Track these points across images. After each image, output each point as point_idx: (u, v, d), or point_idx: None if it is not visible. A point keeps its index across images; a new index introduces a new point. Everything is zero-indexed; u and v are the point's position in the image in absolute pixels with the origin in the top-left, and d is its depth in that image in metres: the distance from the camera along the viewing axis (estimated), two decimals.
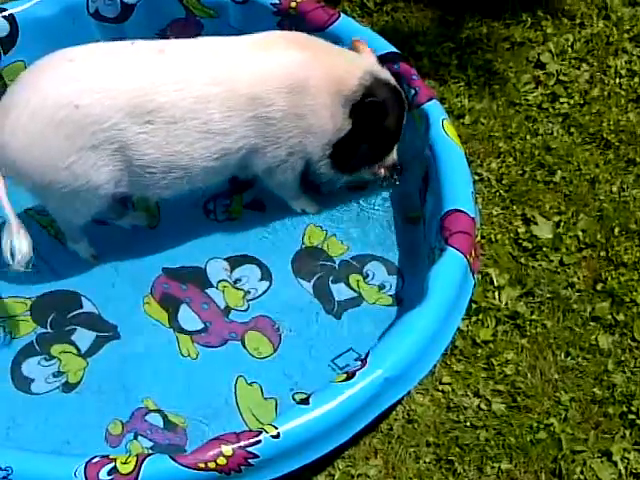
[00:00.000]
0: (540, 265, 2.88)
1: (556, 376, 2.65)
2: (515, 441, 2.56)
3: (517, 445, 2.55)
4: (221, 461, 2.23)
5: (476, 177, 3.07)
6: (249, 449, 2.24)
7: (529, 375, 2.65)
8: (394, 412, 2.60)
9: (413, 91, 2.97)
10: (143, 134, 2.57)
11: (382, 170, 2.91)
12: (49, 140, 2.52)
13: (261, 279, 2.96)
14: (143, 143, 2.59)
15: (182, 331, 2.86)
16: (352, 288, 2.92)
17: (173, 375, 2.76)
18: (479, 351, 2.74)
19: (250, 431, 2.27)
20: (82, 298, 2.93)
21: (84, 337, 2.86)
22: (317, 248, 3.01)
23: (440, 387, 2.68)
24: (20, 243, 2.55)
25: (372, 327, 2.80)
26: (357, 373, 2.35)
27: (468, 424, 2.59)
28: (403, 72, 2.99)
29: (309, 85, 2.65)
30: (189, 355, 2.81)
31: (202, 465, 2.22)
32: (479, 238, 2.84)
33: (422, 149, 2.94)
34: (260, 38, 2.73)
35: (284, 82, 2.63)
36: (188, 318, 2.89)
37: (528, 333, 2.74)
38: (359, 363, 2.37)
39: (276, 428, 2.27)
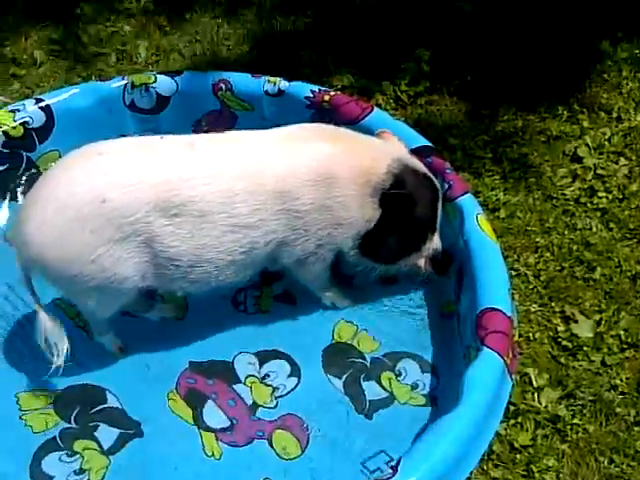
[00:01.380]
0: (581, 365, 2.77)
1: None
2: None
3: None
4: None
5: (513, 272, 2.98)
6: None
7: None
8: None
9: (447, 185, 2.92)
10: (169, 226, 2.54)
11: (421, 261, 2.79)
12: (75, 234, 2.50)
13: (290, 375, 2.88)
14: (169, 235, 2.55)
15: (207, 429, 2.77)
16: (384, 387, 2.83)
17: (197, 477, 2.65)
18: (518, 456, 2.61)
19: None
20: (107, 392, 2.86)
21: (108, 434, 2.77)
22: (348, 344, 2.92)
23: None
24: (58, 340, 2.61)
25: (404, 428, 2.69)
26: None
27: None
28: (436, 166, 2.93)
29: (337, 177, 2.61)
30: (213, 455, 2.72)
31: None
32: (517, 337, 2.73)
33: (456, 244, 2.86)
34: (287, 131, 2.72)
35: (311, 175, 2.60)
36: (214, 415, 2.81)
37: (569, 438, 2.61)
38: (390, 470, 2.25)
39: None
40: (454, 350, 2.82)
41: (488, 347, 2.50)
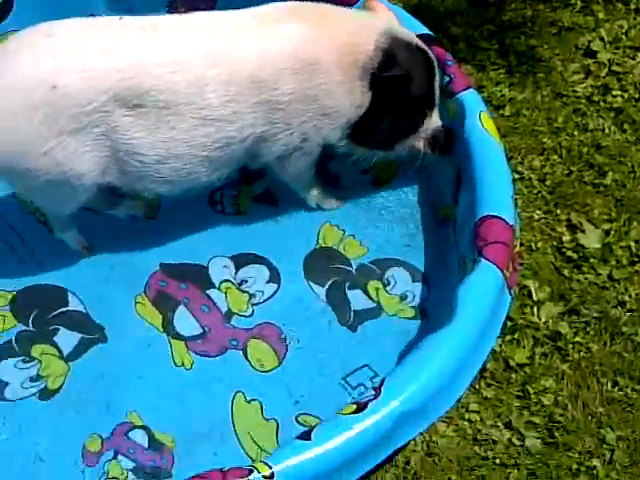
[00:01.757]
0: (586, 279, 2.53)
1: (601, 409, 2.31)
2: None
3: None
4: None
5: (516, 175, 2.72)
6: None
7: (570, 407, 2.31)
8: (412, 443, 2.25)
9: (448, 78, 2.61)
10: (131, 117, 2.25)
11: (421, 142, 2.48)
12: (24, 123, 2.21)
13: (269, 281, 2.63)
14: (131, 127, 2.27)
15: (177, 336, 2.54)
16: (370, 297, 2.58)
17: (164, 387, 2.44)
18: (513, 376, 2.40)
19: (238, 468, 1.93)
20: (68, 294, 2.61)
21: (68, 338, 2.54)
22: (333, 249, 2.67)
23: (467, 415, 2.35)
24: None
25: (391, 342, 2.47)
26: (369, 405, 2.01)
27: (497, 461, 2.25)
28: (437, 57, 2.61)
29: (319, 61, 2.31)
30: (183, 365, 2.49)
31: None
32: (518, 247, 2.48)
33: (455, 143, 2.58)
34: (260, 11, 2.39)
35: (289, 61, 2.30)
36: (185, 321, 2.57)
37: (570, 358, 2.40)
38: (372, 392, 2.02)
39: (270, 467, 1.94)
40: (448, 259, 2.58)
41: (486, 259, 2.25)
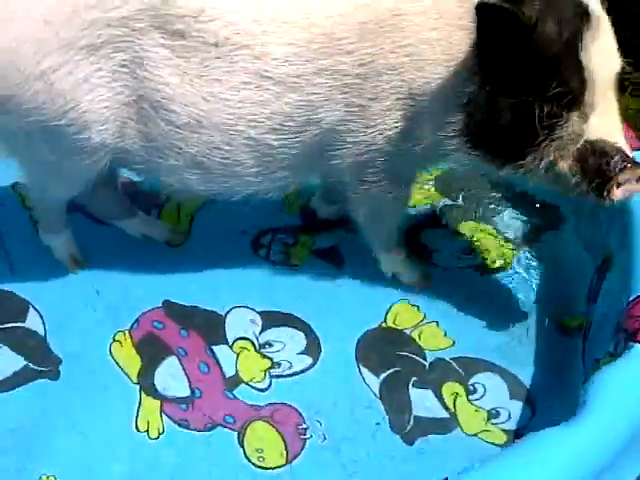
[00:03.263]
0: None
1: None
2: None
3: None
4: None
5: None
6: None
7: None
8: None
9: None
10: (166, 50, 1.56)
11: (567, 162, 1.56)
12: (15, 28, 1.55)
13: (303, 352, 1.81)
14: (165, 64, 1.57)
15: (153, 393, 1.73)
16: (444, 403, 1.72)
17: (105, 453, 1.60)
18: None
19: None
20: (30, 309, 1.86)
21: (9, 362, 1.82)
22: (403, 333, 1.84)
23: None
24: None
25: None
26: None
27: None
28: None
29: (403, 11, 1.57)
30: (147, 431, 1.67)
31: None
32: None
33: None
34: None
35: (363, 16, 1.57)
36: (171, 377, 1.78)
37: None
38: None
39: None
40: (571, 372, 1.71)
41: None
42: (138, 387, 1.77)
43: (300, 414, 1.73)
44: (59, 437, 1.66)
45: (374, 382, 1.80)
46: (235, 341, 1.87)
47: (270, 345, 1.86)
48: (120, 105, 1.64)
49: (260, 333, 1.89)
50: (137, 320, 1.89)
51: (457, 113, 1.58)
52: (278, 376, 1.81)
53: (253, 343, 1.86)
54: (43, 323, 1.88)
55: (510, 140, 1.55)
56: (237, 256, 2.03)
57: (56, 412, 1.71)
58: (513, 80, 1.51)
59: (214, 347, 1.85)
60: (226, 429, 1.70)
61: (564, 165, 1.56)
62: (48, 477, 1.60)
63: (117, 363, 1.82)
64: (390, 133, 1.65)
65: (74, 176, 1.80)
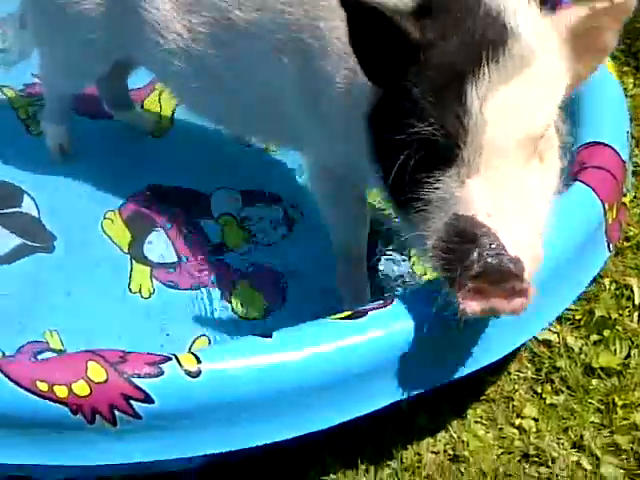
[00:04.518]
0: None
1: None
2: None
3: None
4: (81, 390, 1.16)
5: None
6: (137, 381, 1.17)
7: None
8: (434, 438, 1.48)
9: None
10: None
11: (430, 236, 1.23)
12: None
13: (281, 223, 1.94)
14: None
15: (143, 260, 1.88)
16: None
17: (102, 311, 1.76)
18: (595, 382, 1.61)
19: (149, 354, 1.20)
20: (25, 196, 1.99)
21: (7, 240, 1.95)
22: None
23: (518, 422, 1.55)
24: None
25: None
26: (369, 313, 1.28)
27: None
28: None
29: None
30: (140, 292, 1.80)
31: (43, 388, 1.15)
32: (628, 200, 1.76)
33: None
34: None
35: None
36: (158, 246, 1.91)
37: None
38: None
39: (198, 361, 1.20)
40: None
41: (582, 182, 1.52)
42: (129, 257, 1.90)
43: (279, 273, 1.87)
44: (58, 299, 1.80)
45: None
46: (220, 216, 2.00)
47: (250, 219, 2.00)
48: None
49: (241, 209, 2.02)
50: (125, 201, 2.02)
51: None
52: (258, 243, 1.94)
53: (235, 218, 1.99)
54: (37, 207, 2.01)
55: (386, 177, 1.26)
56: (219, 143, 2.15)
57: (54, 280, 1.85)
58: (388, 104, 1.25)
59: (199, 220, 1.98)
60: (211, 288, 1.84)
61: (429, 239, 1.20)
62: (51, 332, 1.73)
63: (109, 237, 1.95)
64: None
65: (84, 71, 1.92)
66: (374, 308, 1.34)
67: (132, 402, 1.20)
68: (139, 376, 1.20)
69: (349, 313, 1.35)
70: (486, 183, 1.16)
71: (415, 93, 1.18)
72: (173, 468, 1.41)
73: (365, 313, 1.33)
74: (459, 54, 1.18)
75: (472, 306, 1.15)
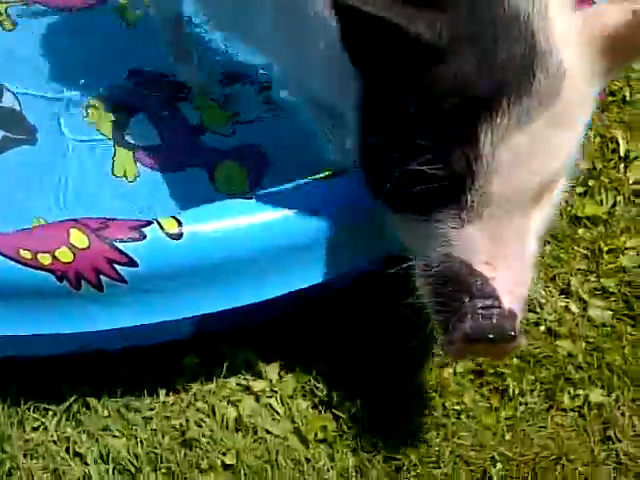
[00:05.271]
0: None
1: None
2: (620, 364, 1.41)
3: (621, 371, 1.40)
4: (64, 256, 1.17)
5: None
6: (120, 245, 1.18)
7: None
8: None
9: None
10: None
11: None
12: None
13: (264, 102, 1.94)
14: None
15: (126, 144, 1.87)
16: None
17: (89, 197, 1.75)
18: (580, 232, 1.62)
19: (131, 220, 1.21)
20: (5, 91, 1.98)
21: None
22: None
23: None
24: None
25: None
26: None
27: (542, 328, 1.45)
28: None
29: None
30: (124, 175, 1.80)
31: (26, 256, 1.16)
32: None
33: None
34: None
35: None
36: (140, 130, 1.90)
37: None
38: None
39: (180, 224, 1.21)
40: None
41: None
42: (112, 142, 1.90)
43: (261, 149, 1.87)
44: (43, 187, 1.80)
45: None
46: (200, 98, 1.98)
47: (230, 99, 1.99)
48: None
49: (223, 89, 2.00)
50: (107, 87, 2.01)
51: None
52: (239, 122, 1.93)
53: (215, 99, 1.98)
54: (18, 101, 2.00)
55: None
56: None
57: (38, 170, 1.84)
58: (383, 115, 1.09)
59: (179, 104, 1.97)
60: (196, 169, 1.84)
61: (419, 268, 1.13)
62: (39, 219, 1.74)
63: (92, 123, 1.94)
64: None
65: None
66: None
67: (116, 266, 1.21)
68: (121, 240, 1.21)
69: (329, 172, 1.35)
70: (487, 229, 1.05)
71: (416, 113, 1.01)
72: (162, 339, 1.44)
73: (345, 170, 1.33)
74: (478, 75, 0.98)
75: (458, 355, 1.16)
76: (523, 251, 1.07)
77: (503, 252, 1.05)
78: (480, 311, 1.04)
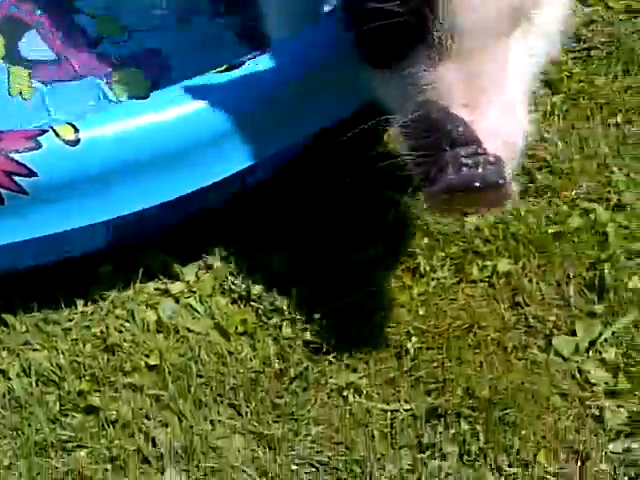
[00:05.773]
0: None
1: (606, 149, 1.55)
2: (524, 234, 1.46)
3: (526, 240, 1.45)
4: None
5: None
6: (16, 157, 1.16)
7: (560, 144, 1.57)
8: None
9: None
10: None
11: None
12: None
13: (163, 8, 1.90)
14: None
15: (20, 63, 1.81)
16: None
17: None
18: None
19: (25, 130, 1.20)
20: None
21: None
22: None
23: None
24: None
25: None
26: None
27: None
28: None
29: None
30: (21, 94, 1.76)
31: None
32: None
33: None
34: None
35: None
36: (34, 47, 1.84)
37: (565, 90, 1.67)
38: None
39: (76, 130, 1.19)
40: None
41: None
42: (5, 63, 1.85)
43: (160, 53, 1.84)
44: None
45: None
46: (93, 9, 1.94)
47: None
48: None
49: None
50: None
51: None
52: (135, 30, 1.90)
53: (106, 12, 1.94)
54: None
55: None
56: None
57: None
58: None
59: (73, 15, 1.93)
60: (93, 78, 1.81)
61: (397, 120, 1.09)
62: None
63: None
64: None
65: None
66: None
67: (15, 178, 1.20)
68: (17, 151, 1.20)
69: (227, 66, 1.35)
70: (461, 68, 1.00)
71: None
72: (78, 252, 1.43)
73: (242, 63, 1.32)
74: None
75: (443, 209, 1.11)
76: (505, 87, 1.01)
77: (482, 90, 1.00)
78: (462, 159, 0.99)
